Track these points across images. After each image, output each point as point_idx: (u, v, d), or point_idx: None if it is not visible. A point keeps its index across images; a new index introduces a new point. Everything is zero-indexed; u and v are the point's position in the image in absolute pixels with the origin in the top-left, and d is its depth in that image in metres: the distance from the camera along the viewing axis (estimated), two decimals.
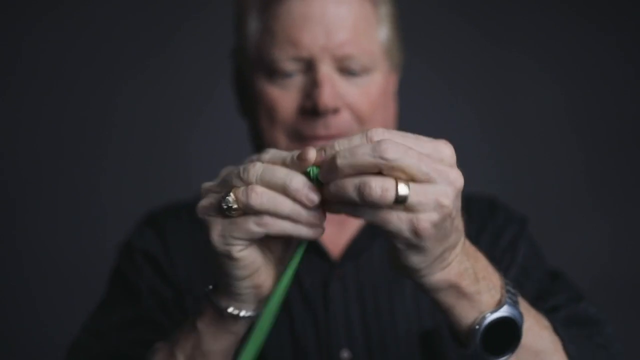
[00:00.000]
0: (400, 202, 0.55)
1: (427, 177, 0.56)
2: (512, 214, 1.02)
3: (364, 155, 0.55)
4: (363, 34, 0.93)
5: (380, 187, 0.54)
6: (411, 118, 1.02)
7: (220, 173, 0.63)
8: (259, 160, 0.60)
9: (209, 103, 1.73)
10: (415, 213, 0.56)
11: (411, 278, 0.62)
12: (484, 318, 0.63)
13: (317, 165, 0.58)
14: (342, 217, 0.95)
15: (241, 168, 0.60)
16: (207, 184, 0.63)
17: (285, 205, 0.58)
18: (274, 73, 0.92)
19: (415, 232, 0.56)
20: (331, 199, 0.57)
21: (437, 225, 0.56)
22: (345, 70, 0.92)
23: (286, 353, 0.93)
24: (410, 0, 1.02)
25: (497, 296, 0.64)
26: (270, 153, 0.61)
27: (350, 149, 0.56)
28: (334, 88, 0.91)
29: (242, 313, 0.64)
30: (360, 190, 0.55)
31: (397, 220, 0.56)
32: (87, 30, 1.77)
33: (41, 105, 1.77)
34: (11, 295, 1.74)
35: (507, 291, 0.66)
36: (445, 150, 0.57)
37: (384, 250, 0.96)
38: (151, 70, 1.78)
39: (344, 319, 0.93)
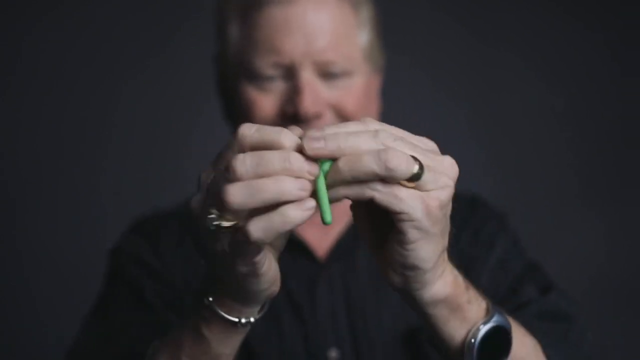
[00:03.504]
0: (416, 178, 0.53)
1: (427, 165, 0.54)
2: (492, 210, 1.03)
3: (369, 164, 0.52)
4: (343, 39, 0.94)
5: (404, 158, 0.52)
6: (398, 117, 1.00)
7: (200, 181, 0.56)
8: (233, 152, 0.53)
9: (209, 103, 1.73)
10: (426, 191, 0.54)
11: (407, 292, 0.59)
12: (477, 330, 0.61)
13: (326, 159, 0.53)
14: None
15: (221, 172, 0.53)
16: (195, 201, 0.55)
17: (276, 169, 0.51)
18: (255, 77, 0.93)
19: (427, 210, 0.54)
20: (339, 176, 0.53)
21: (443, 208, 0.55)
22: (327, 74, 0.93)
23: (273, 353, 0.92)
24: None
25: (484, 305, 0.63)
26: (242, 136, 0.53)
27: (353, 156, 0.52)
28: (316, 93, 0.92)
29: (252, 319, 0.63)
30: (383, 160, 0.51)
31: (410, 197, 0.53)
32: (87, 30, 1.77)
33: (41, 105, 1.77)
34: (11, 295, 1.74)
35: (488, 298, 0.64)
36: (430, 142, 0.56)
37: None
38: (151, 70, 1.78)
39: (331, 318, 0.94)
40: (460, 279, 0.61)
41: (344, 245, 0.98)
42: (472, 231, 0.99)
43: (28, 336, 1.71)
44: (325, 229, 0.99)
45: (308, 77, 0.91)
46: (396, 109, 1.07)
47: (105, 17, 1.77)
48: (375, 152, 0.52)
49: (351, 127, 0.54)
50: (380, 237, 0.58)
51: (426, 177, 0.53)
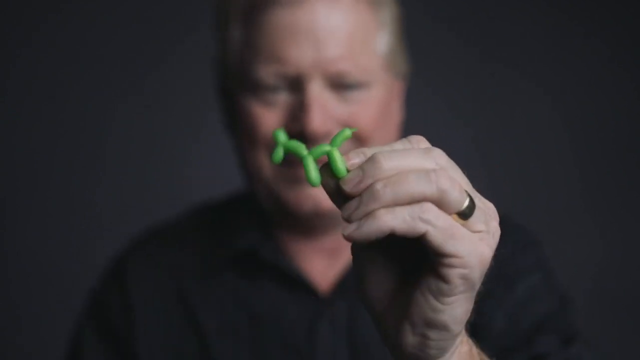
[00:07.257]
0: (466, 214, 0.43)
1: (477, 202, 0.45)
2: (523, 237, 0.91)
3: (419, 186, 0.42)
4: (360, 46, 0.82)
5: (457, 183, 0.42)
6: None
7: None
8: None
9: (210, 112, 1.74)
10: (478, 233, 0.44)
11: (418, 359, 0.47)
12: None
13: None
14: (333, 245, 0.86)
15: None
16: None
17: None
18: (258, 89, 0.82)
19: (481, 259, 0.44)
20: (376, 200, 0.42)
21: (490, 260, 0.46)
22: (339, 86, 0.82)
23: None
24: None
25: None
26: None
27: (397, 177, 0.42)
28: (325, 110, 0.80)
29: None
30: (434, 180, 0.42)
31: (469, 239, 0.43)
32: (87, 35, 1.77)
33: (41, 106, 1.76)
34: (10, 298, 1.73)
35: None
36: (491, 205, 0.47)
37: None
38: (151, 77, 1.78)
39: None
40: (474, 349, 0.51)
41: (352, 279, 0.84)
42: (497, 261, 0.88)
43: (27, 336, 1.70)
44: (330, 259, 0.87)
45: (316, 91, 0.80)
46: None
47: (105, 22, 1.76)
48: (424, 171, 0.42)
49: (397, 146, 0.45)
50: (391, 282, 0.47)
51: (477, 215, 0.44)
